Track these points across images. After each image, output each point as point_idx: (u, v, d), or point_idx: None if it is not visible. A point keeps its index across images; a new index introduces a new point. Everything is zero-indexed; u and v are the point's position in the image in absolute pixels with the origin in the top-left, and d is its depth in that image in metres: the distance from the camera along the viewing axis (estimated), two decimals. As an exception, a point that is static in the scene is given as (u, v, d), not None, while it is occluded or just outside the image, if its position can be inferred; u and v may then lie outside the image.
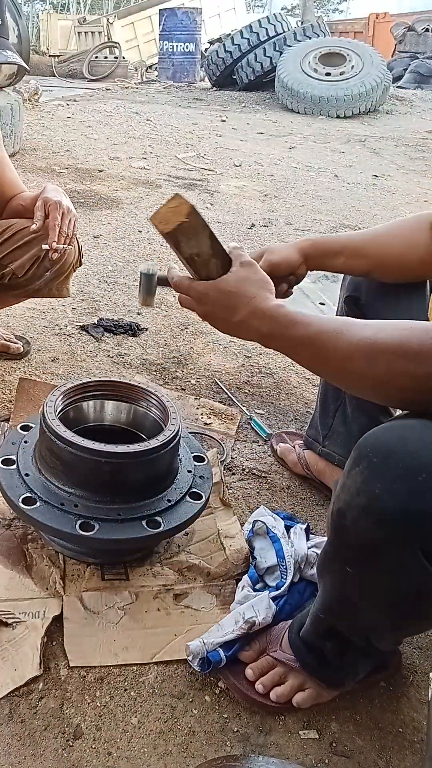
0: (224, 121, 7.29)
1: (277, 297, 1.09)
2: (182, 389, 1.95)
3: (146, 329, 2.32)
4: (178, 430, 1.21)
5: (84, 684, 1.04)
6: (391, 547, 0.76)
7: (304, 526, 1.31)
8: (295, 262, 1.27)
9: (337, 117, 8.11)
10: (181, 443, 1.28)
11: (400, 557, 0.75)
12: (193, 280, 1.01)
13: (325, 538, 1.28)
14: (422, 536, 0.73)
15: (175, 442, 1.20)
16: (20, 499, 1.13)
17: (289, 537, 1.27)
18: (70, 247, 1.64)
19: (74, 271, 1.82)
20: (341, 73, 8.29)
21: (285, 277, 1.27)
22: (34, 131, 5.72)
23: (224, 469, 1.59)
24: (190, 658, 1.06)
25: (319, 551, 1.24)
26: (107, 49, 12.28)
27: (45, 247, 1.60)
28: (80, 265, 1.82)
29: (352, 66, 8.34)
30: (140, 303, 1.21)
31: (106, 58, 12.04)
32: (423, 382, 0.78)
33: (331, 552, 0.89)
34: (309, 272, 1.31)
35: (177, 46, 11.39)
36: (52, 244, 1.58)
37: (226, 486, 1.51)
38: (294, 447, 1.63)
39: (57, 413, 1.20)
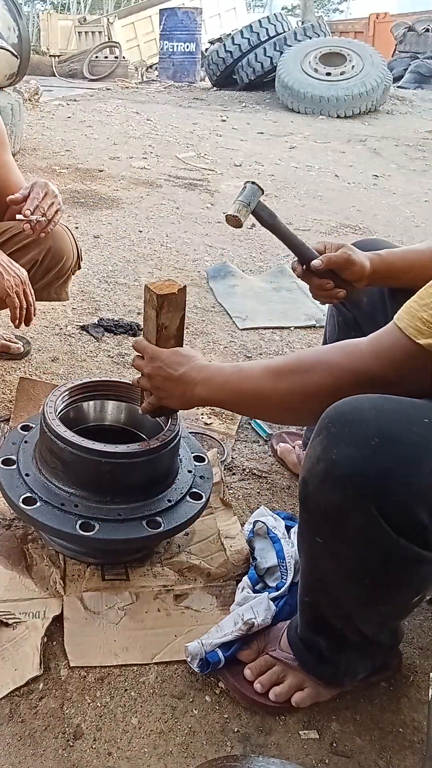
0: (224, 120, 7.29)
1: (327, 300, 1.33)
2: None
3: (146, 329, 2.32)
4: (179, 430, 1.21)
5: (84, 684, 1.04)
6: (350, 510, 0.80)
7: (305, 527, 1.31)
8: (367, 272, 1.25)
9: (338, 117, 8.10)
10: (182, 443, 1.28)
11: (361, 520, 0.79)
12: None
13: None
14: (377, 497, 0.77)
15: (175, 442, 1.20)
16: (21, 499, 1.13)
17: (289, 537, 1.27)
18: (43, 218, 1.54)
19: (73, 274, 1.82)
20: (342, 73, 8.29)
21: (348, 282, 1.27)
22: (34, 131, 5.72)
23: (224, 469, 1.59)
24: (188, 659, 1.06)
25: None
26: (107, 49, 12.27)
27: (19, 217, 1.53)
28: (79, 268, 1.82)
29: (353, 66, 8.33)
30: (233, 211, 1.20)
31: (106, 58, 12.03)
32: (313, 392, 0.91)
33: (302, 525, 0.93)
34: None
35: (177, 45, 11.39)
36: (25, 212, 1.51)
37: (227, 486, 1.51)
38: (294, 447, 1.63)
39: (57, 413, 1.20)
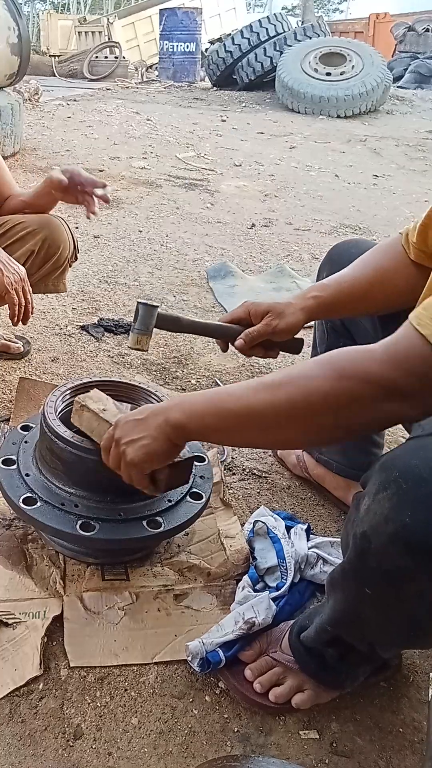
0: (224, 120, 7.29)
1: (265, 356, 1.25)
2: (182, 389, 1.95)
3: (146, 329, 2.32)
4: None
5: (84, 684, 1.04)
6: (417, 576, 0.74)
7: (305, 527, 1.31)
8: (299, 325, 1.21)
9: (338, 117, 8.10)
10: (182, 443, 1.27)
11: (425, 585, 0.74)
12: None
13: (327, 539, 1.28)
14: None
15: (175, 442, 1.19)
16: (21, 500, 1.13)
17: (289, 537, 1.27)
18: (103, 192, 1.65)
19: (70, 265, 1.82)
20: (342, 73, 8.28)
21: (280, 342, 1.24)
22: (34, 131, 5.72)
23: (224, 469, 1.59)
24: (189, 658, 1.06)
25: (319, 551, 1.24)
26: (107, 49, 12.26)
27: (100, 192, 1.63)
28: (75, 259, 1.82)
29: (353, 66, 8.33)
30: (132, 344, 1.14)
31: (106, 58, 12.02)
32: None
33: (350, 571, 0.86)
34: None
35: (177, 45, 11.39)
36: (102, 194, 1.62)
37: (227, 486, 1.51)
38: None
39: (57, 413, 1.20)
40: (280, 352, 1.29)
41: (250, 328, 1.21)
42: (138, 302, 1.14)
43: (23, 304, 1.50)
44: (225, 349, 1.27)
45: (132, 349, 1.15)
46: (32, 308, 1.54)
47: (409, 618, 0.80)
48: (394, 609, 0.81)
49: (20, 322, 1.53)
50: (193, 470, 1.28)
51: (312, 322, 1.27)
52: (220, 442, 1.03)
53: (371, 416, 0.78)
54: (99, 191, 1.62)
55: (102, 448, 1.02)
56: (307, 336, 1.27)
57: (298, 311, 1.19)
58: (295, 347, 1.29)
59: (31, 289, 1.52)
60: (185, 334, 2.29)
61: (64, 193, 1.66)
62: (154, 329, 1.18)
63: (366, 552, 0.79)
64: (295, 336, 1.25)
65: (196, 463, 1.31)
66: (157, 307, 1.13)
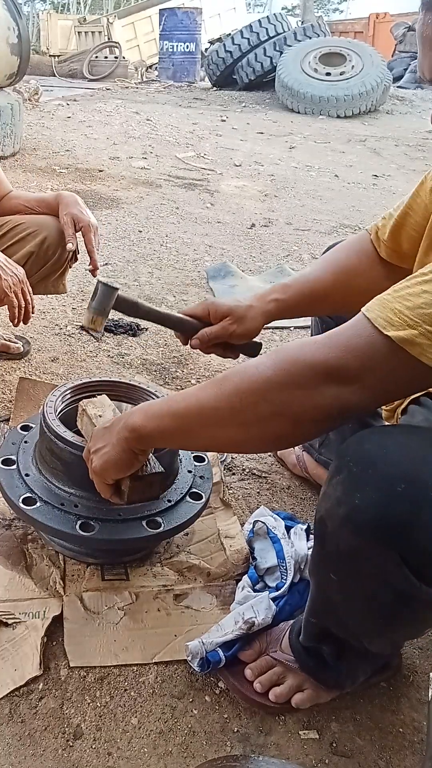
0: (224, 120, 7.29)
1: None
2: (182, 389, 1.95)
3: (146, 329, 2.32)
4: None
5: (84, 684, 1.04)
6: (371, 557, 0.76)
7: (305, 527, 1.31)
8: (259, 327, 1.18)
9: (338, 117, 8.11)
10: (182, 443, 1.27)
11: (380, 565, 0.75)
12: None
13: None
14: (401, 546, 0.73)
15: (175, 442, 1.19)
16: (20, 500, 1.13)
17: (289, 537, 1.27)
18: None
19: (70, 267, 1.83)
20: (341, 73, 8.29)
21: (238, 345, 1.22)
22: (34, 131, 5.72)
23: (224, 469, 1.59)
24: (189, 658, 1.06)
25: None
26: (107, 49, 12.26)
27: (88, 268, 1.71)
28: (75, 260, 1.83)
29: (353, 66, 8.33)
30: (86, 322, 1.10)
31: (106, 58, 12.02)
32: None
33: (315, 557, 0.90)
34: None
35: (177, 45, 11.39)
36: (96, 272, 1.70)
37: (227, 486, 1.51)
38: (294, 448, 1.63)
39: (57, 413, 1.20)
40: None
41: (207, 329, 1.17)
42: (98, 281, 1.09)
43: (23, 305, 1.50)
44: (185, 343, 1.22)
45: (85, 328, 1.11)
46: (33, 309, 1.54)
47: (374, 601, 0.81)
48: (358, 592, 0.83)
49: (21, 323, 1.53)
50: (193, 470, 1.28)
51: (277, 321, 1.24)
52: (178, 445, 0.98)
53: (313, 401, 0.75)
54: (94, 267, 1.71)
55: (84, 458, 1.03)
56: (268, 338, 1.23)
57: (258, 316, 1.17)
58: (253, 350, 1.26)
59: (31, 290, 1.52)
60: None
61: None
62: (113, 309, 1.14)
63: (324, 536, 0.81)
64: (255, 340, 1.22)
65: (195, 463, 1.31)
66: (117, 289, 1.09)
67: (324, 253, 1.36)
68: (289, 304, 1.18)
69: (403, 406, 1.10)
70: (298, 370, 0.75)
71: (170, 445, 0.97)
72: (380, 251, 1.15)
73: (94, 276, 1.72)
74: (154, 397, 1.30)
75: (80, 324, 1.16)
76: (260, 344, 1.27)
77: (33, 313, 1.55)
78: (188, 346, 1.21)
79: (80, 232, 1.68)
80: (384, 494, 0.73)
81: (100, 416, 1.11)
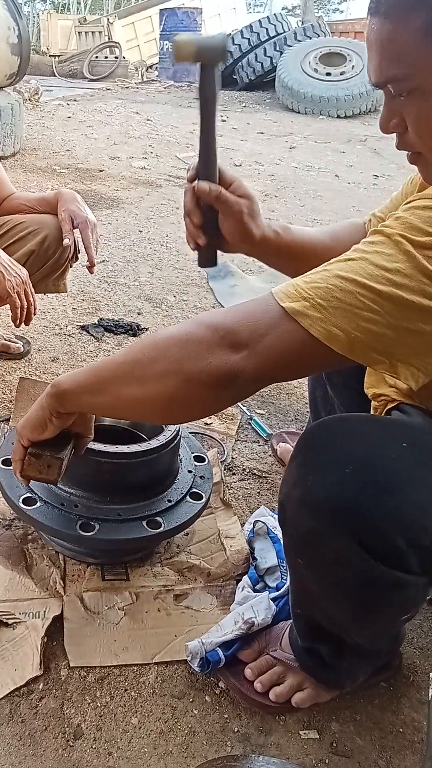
0: (224, 120, 7.29)
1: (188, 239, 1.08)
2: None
3: (146, 329, 2.32)
4: (179, 430, 1.21)
5: (84, 684, 1.04)
6: (326, 537, 0.79)
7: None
8: (252, 239, 1.06)
9: (338, 117, 8.11)
10: (182, 443, 1.28)
11: (338, 546, 0.78)
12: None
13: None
14: (352, 526, 0.76)
15: (175, 442, 1.20)
16: (20, 500, 1.13)
17: (289, 537, 1.27)
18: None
19: (71, 266, 1.83)
20: (342, 73, 8.30)
21: (219, 234, 1.06)
22: (34, 131, 5.73)
23: (224, 469, 1.59)
24: (189, 658, 1.06)
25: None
26: (107, 49, 12.27)
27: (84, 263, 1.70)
28: (76, 260, 1.83)
29: (353, 66, 8.34)
30: (180, 39, 0.90)
31: (106, 58, 12.03)
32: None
33: (285, 544, 0.93)
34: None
35: (177, 45, 11.38)
36: (92, 268, 1.70)
37: (227, 486, 1.51)
38: (293, 449, 1.63)
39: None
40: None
41: (227, 192, 1.02)
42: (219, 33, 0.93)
43: (25, 306, 1.51)
44: (192, 179, 1.04)
45: (175, 45, 0.91)
46: (35, 310, 1.54)
47: (341, 583, 0.83)
48: (325, 576, 0.85)
49: (23, 324, 1.54)
50: (193, 470, 1.28)
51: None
52: (89, 406, 0.92)
53: (204, 362, 0.75)
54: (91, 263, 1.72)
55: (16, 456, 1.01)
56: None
57: (261, 228, 1.07)
58: (210, 258, 1.07)
59: (33, 291, 1.52)
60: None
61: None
62: (202, 57, 0.93)
63: (284, 520, 0.85)
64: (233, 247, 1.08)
65: (196, 463, 1.31)
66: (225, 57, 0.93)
67: None
68: (282, 243, 1.12)
69: (383, 412, 1.10)
70: (197, 330, 0.77)
71: (84, 407, 0.92)
72: None
73: (91, 272, 1.73)
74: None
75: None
76: (216, 259, 1.09)
77: (35, 314, 1.55)
78: (191, 184, 1.03)
79: (78, 229, 1.68)
80: (333, 475, 0.77)
81: None
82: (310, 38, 9.34)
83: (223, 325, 0.76)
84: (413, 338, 0.72)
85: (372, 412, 1.11)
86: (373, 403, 1.10)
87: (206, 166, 1.03)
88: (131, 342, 2.20)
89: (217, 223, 1.04)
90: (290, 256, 1.13)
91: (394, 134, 0.86)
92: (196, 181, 1.02)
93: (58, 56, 13.09)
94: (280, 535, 1.27)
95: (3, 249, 1.66)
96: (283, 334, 0.73)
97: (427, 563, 0.78)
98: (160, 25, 11.69)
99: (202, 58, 0.94)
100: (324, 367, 0.88)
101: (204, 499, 1.22)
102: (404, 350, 0.74)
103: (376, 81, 0.80)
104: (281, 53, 8.94)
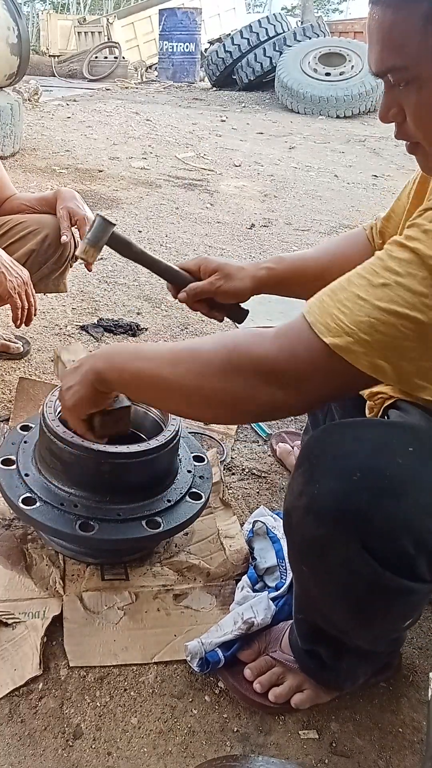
0: (224, 121, 7.29)
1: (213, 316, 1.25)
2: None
3: (146, 329, 2.32)
4: (178, 430, 1.21)
5: (84, 684, 1.04)
6: (333, 545, 0.78)
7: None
8: (246, 292, 1.20)
9: (337, 117, 8.11)
10: (181, 443, 1.28)
11: (344, 554, 0.77)
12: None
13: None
14: (360, 533, 0.75)
15: (174, 442, 1.20)
16: (20, 500, 1.13)
17: (288, 537, 1.27)
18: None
19: (71, 266, 1.83)
20: (341, 73, 8.30)
21: (224, 305, 1.23)
22: (34, 131, 5.72)
23: (224, 469, 1.59)
24: (188, 658, 1.06)
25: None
26: (107, 49, 12.26)
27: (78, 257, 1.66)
28: (76, 260, 1.82)
29: (352, 66, 8.34)
30: (80, 252, 1.14)
31: (106, 58, 12.03)
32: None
33: (289, 552, 0.92)
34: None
35: (177, 46, 11.39)
36: (90, 266, 1.65)
37: (226, 486, 1.51)
38: (293, 448, 1.63)
39: (57, 413, 1.20)
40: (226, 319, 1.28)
41: (195, 283, 1.19)
42: (97, 215, 1.15)
43: (26, 307, 1.51)
44: (175, 296, 1.23)
45: (78, 257, 1.15)
46: (35, 311, 1.54)
47: (347, 593, 0.82)
48: (330, 585, 0.84)
49: (23, 324, 1.54)
50: (193, 470, 1.28)
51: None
52: (133, 396, 1.07)
53: (251, 396, 0.80)
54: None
55: (59, 398, 1.08)
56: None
57: (247, 278, 1.18)
58: (239, 316, 1.27)
59: (34, 292, 1.52)
60: (185, 337, 2.29)
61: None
62: (106, 246, 1.17)
63: (290, 528, 0.85)
64: (242, 305, 1.24)
65: (195, 463, 1.31)
66: (114, 225, 1.13)
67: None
68: (280, 275, 1.19)
69: (380, 411, 1.10)
70: (244, 365, 0.80)
71: (127, 394, 1.06)
72: (375, 248, 1.18)
73: (89, 270, 1.73)
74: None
75: (76, 255, 1.22)
76: (247, 311, 1.27)
77: (35, 314, 1.55)
78: (177, 300, 1.22)
79: (76, 227, 1.68)
80: (341, 483, 0.76)
81: (74, 361, 1.15)
82: (310, 38, 9.34)
83: (267, 363, 0.78)
84: None
85: (368, 411, 1.11)
86: (368, 402, 1.10)
87: (173, 280, 1.22)
88: (129, 341, 2.20)
89: (216, 300, 1.21)
90: (291, 284, 1.20)
91: (393, 124, 0.86)
92: (179, 295, 1.21)
93: (58, 56, 13.08)
94: (279, 535, 1.27)
95: (3, 249, 1.66)
96: (330, 373, 0.75)
97: None
98: (160, 25, 11.69)
99: (101, 246, 1.14)
100: (366, 388, 0.93)
101: (203, 499, 1.22)
102: None
103: (376, 70, 0.80)
104: (281, 53, 8.94)
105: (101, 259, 2.94)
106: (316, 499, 0.78)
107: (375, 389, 1.08)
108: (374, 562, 0.75)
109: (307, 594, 0.93)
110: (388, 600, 0.80)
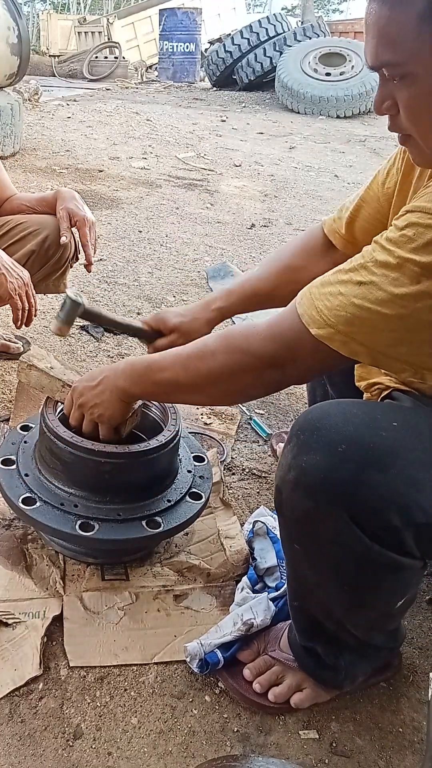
0: (224, 121, 7.29)
1: None
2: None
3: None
4: (178, 431, 1.21)
5: (84, 684, 1.04)
6: (322, 517, 0.81)
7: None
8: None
9: (337, 117, 8.11)
10: (181, 443, 1.28)
11: (334, 527, 0.80)
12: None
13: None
14: (347, 505, 0.78)
15: (174, 442, 1.20)
16: (20, 500, 1.13)
17: (289, 537, 1.27)
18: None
19: (71, 266, 1.83)
20: (341, 73, 8.29)
21: None
22: (34, 131, 5.72)
23: (224, 469, 1.59)
24: (188, 659, 1.06)
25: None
26: (107, 49, 12.26)
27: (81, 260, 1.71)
28: (76, 260, 1.83)
29: (352, 66, 8.33)
30: (54, 329, 1.24)
31: (106, 58, 12.02)
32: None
33: (281, 531, 0.95)
34: None
35: (177, 46, 11.38)
36: (90, 267, 1.72)
37: (226, 486, 1.51)
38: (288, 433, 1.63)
39: (57, 413, 1.20)
40: None
41: (159, 341, 1.30)
42: (66, 295, 1.22)
43: (26, 308, 1.51)
44: (149, 351, 1.34)
45: (54, 334, 1.26)
46: (36, 312, 1.55)
47: (336, 568, 0.85)
48: (321, 560, 0.87)
49: (23, 325, 1.54)
50: (193, 470, 1.28)
51: None
52: (161, 401, 1.25)
53: (258, 382, 0.94)
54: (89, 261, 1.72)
55: (65, 410, 1.17)
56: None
57: (203, 326, 1.29)
58: None
59: (34, 293, 1.53)
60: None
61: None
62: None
63: (280, 504, 0.88)
64: None
65: (195, 463, 1.31)
66: (81, 305, 1.21)
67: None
68: (232, 309, 1.31)
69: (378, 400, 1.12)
70: (246, 360, 0.92)
71: (152, 400, 1.24)
72: (336, 243, 1.24)
73: (89, 271, 1.74)
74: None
75: (51, 330, 1.34)
76: None
77: (35, 315, 1.55)
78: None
79: (76, 227, 1.68)
80: (327, 455, 0.80)
81: (52, 367, 1.22)
82: (310, 38, 9.33)
83: (266, 355, 0.90)
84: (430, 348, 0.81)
85: None
86: (365, 395, 1.12)
87: (142, 337, 1.33)
88: (129, 341, 2.20)
89: None
90: (248, 309, 1.32)
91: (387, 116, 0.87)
92: (148, 350, 1.32)
93: (58, 56, 13.08)
94: (279, 535, 1.27)
95: (3, 249, 1.66)
96: (318, 354, 0.86)
97: (422, 541, 0.79)
98: (160, 25, 11.68)
99: (72, 322, 1.23)
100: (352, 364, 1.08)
101: (203, 499, 1.22)
102: (424, 359, 0.84)
103: (371, 64, 0.83)
104: (281, 53, 8.93)
105: (101, 259, 2.94)
106: (304, 472, 0.81)
107: (372, 380, 1.11)
108: (363, 535, 0.78)
109: (300, 576, 0.95)
110: (378, 575, 0.83)
